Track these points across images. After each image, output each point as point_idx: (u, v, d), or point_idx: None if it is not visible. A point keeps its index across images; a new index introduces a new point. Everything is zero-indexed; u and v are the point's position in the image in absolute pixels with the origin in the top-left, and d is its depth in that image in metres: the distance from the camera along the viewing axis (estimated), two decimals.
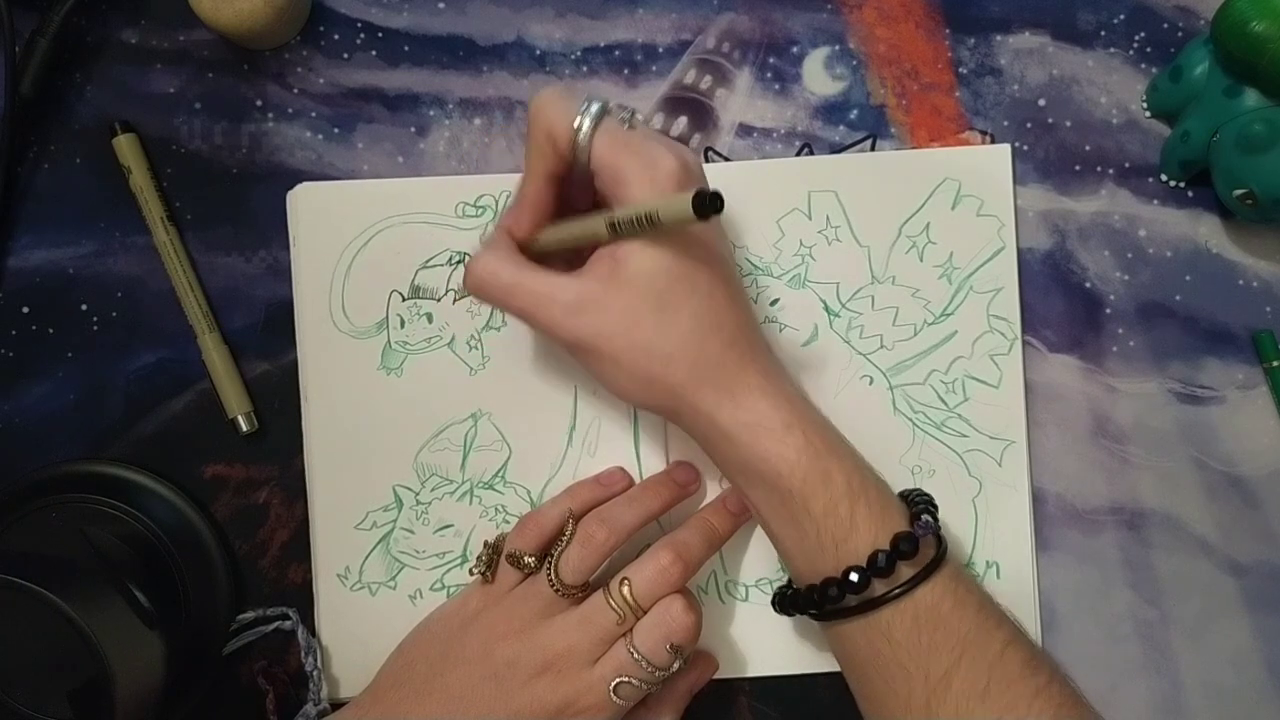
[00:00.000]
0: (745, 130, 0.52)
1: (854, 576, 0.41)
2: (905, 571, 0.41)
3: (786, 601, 0.45)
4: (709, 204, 0.36)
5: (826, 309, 0.50)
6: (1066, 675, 0.42)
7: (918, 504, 0.43)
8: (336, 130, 0.52)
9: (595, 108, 0.41)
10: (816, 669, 0.50)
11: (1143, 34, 0.52)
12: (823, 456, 0.42)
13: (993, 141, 0.51)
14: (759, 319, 0.46)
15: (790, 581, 0.46)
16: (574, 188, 0.44)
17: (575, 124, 0.41)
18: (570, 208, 0.44)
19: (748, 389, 0.42)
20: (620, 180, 0.41)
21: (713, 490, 0.50)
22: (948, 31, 0.52)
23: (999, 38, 0.52)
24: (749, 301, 0.45)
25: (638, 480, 0.50)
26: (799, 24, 0.52)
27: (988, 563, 0.50)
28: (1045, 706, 0.40)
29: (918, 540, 0.41)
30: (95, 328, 0.51)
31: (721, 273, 0.42)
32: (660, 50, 0.52)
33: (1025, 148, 0.52)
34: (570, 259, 0.44)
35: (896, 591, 0.41)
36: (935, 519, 0.42)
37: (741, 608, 0.50)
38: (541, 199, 0.44)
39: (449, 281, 0.51)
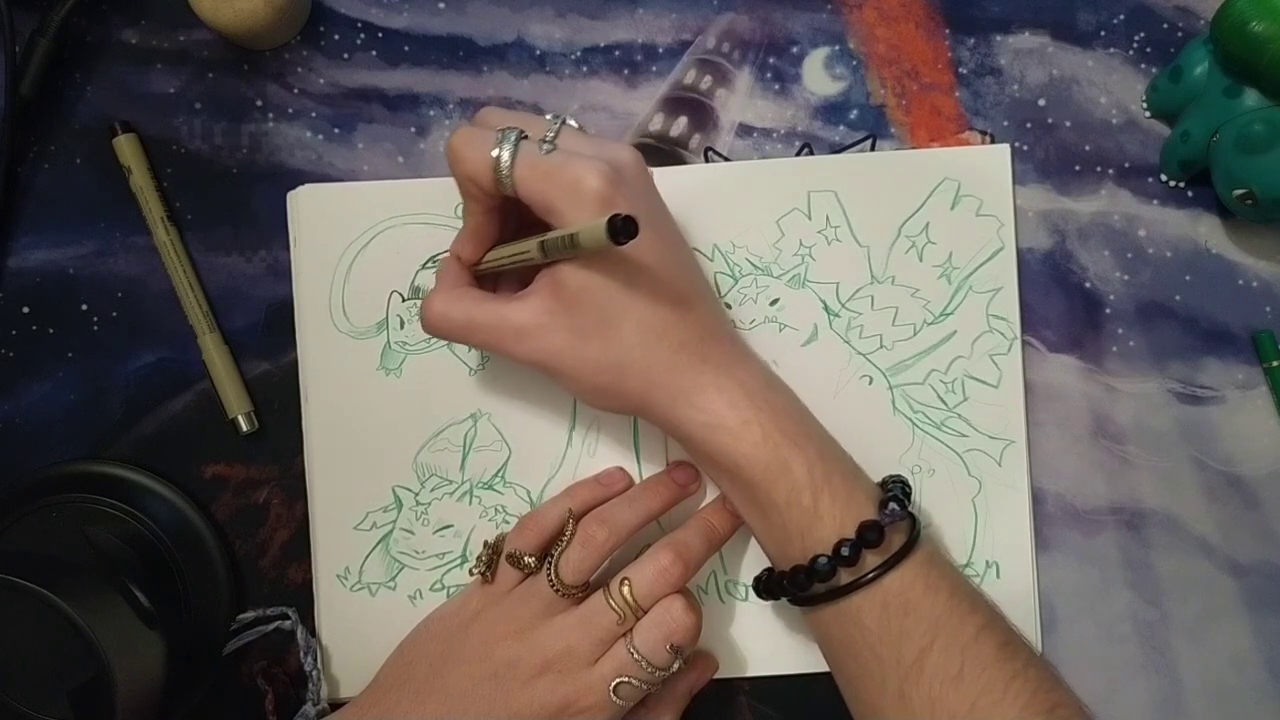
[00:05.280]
0: (745, 130, 0.52)
1: (818, 566, 0.41)
2: (872, 560, 0.41)
3: (762, 585, 0.46)
4: (621, 229, 0.37)
5: (826, 309, 0.50)
6: (1045, 661, 0.42)
7: (890, 490, 0.44)
8: (336, 130, 0.52)
9: (511, 139, 0.41)
10: (816, 669, 0.50)
11: (1143, 34, 0.52)
12: (782, 449, 0.42)
13: (992, 141, 0.51)
14: (725, 313, 0.46)
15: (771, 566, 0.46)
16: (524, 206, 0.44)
17: (493, 162, 0.41)
18: (527, 223, 0.44)
19: (702, 389, 0.43)
20: (548, 209, 0.41)
21: (713, 490, 0.50)
22: (948, 31, 0.52)
23: (999, 38, 0.52)
24: (707, 299, 0.45)
25: (638, 480, 0.50)
26: (799, 24, 0.52)
27: (987, 562, 0.50)
28: (1021, 690, 0.40)
29: (883, 529, 0.41)
30: (95, 328, 0.51)
31: (665, 277, 0.42)
32: (660, 50, 0.52)
33: (1025, 148, 0.52)
34: (524, 275, 0.45)
35: (863, 580, 0.41)
36: (904, 506, 0.43)
37: (741, 608, 0.50)
38: (483, 229, 0.45)
39: None
